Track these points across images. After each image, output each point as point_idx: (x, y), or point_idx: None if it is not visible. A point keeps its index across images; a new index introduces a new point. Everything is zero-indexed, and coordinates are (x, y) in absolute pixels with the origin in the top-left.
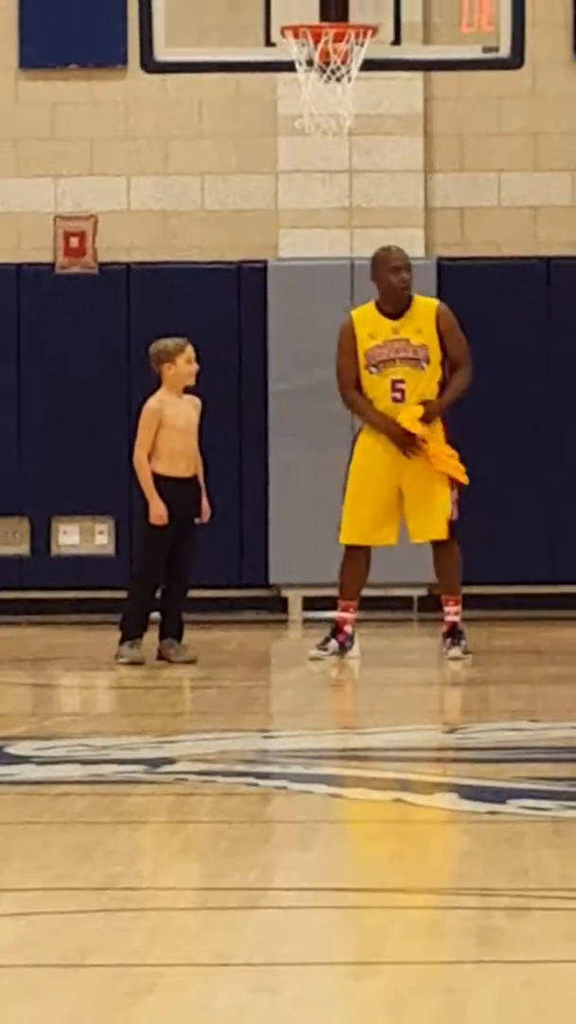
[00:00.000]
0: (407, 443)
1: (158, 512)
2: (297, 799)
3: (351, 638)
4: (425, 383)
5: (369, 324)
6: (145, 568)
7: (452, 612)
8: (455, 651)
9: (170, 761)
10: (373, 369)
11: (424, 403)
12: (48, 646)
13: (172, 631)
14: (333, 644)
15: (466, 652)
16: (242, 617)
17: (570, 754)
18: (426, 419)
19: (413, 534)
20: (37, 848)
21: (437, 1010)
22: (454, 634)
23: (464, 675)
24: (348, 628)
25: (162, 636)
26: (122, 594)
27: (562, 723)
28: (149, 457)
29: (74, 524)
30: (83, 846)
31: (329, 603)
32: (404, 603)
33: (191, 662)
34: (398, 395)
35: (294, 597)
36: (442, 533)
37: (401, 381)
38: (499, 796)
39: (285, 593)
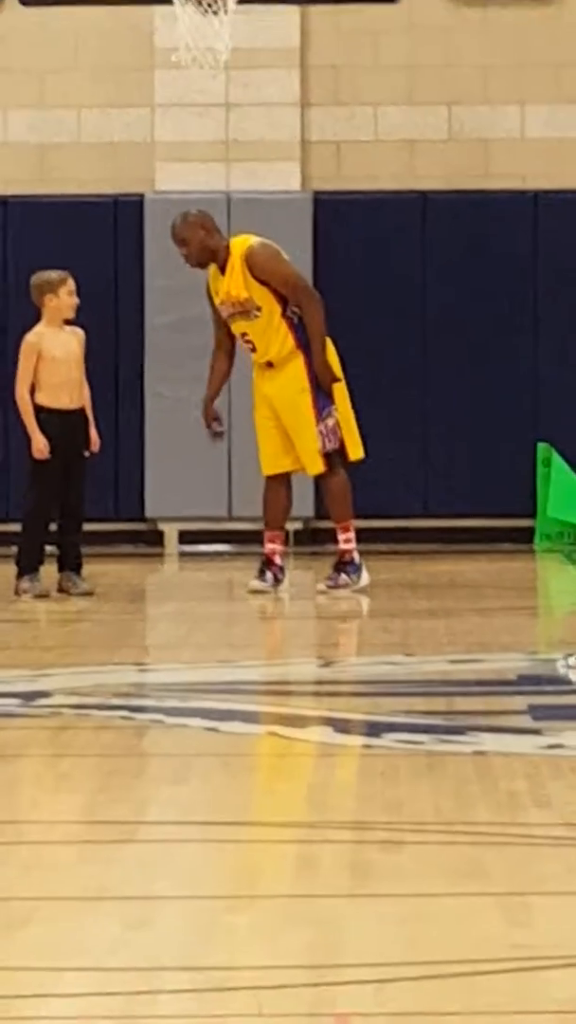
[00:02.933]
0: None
1: (39, 446)
2: (172, 732)
3: (283, 569)
4: (263, 329)
5: (215, 281)
6: (35, 502)
7: (342, 540)
8: (321, 584)
9: (45, 695)
10: (228, 324)
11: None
12: None
13: (70, 564)
14: (269, 576)
15: (333, 587)
16: (119, 550)
17: (444, 688)
18: (323, 383)
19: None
20: None
21: (311, 943)
22: (338, 566)
23: (339, 608)
24: (278, 559)
25: (60, 568)
26: None
27: (436, 657)
28: (32, 391)
29: None
30: None
31: (203, 536)
32: None
33: (89, 594)
34: (249, 346)
35: (170, 530)
36: (317, 467)
37: (245, 333)
38: (374, 730)
39: (161, 527)
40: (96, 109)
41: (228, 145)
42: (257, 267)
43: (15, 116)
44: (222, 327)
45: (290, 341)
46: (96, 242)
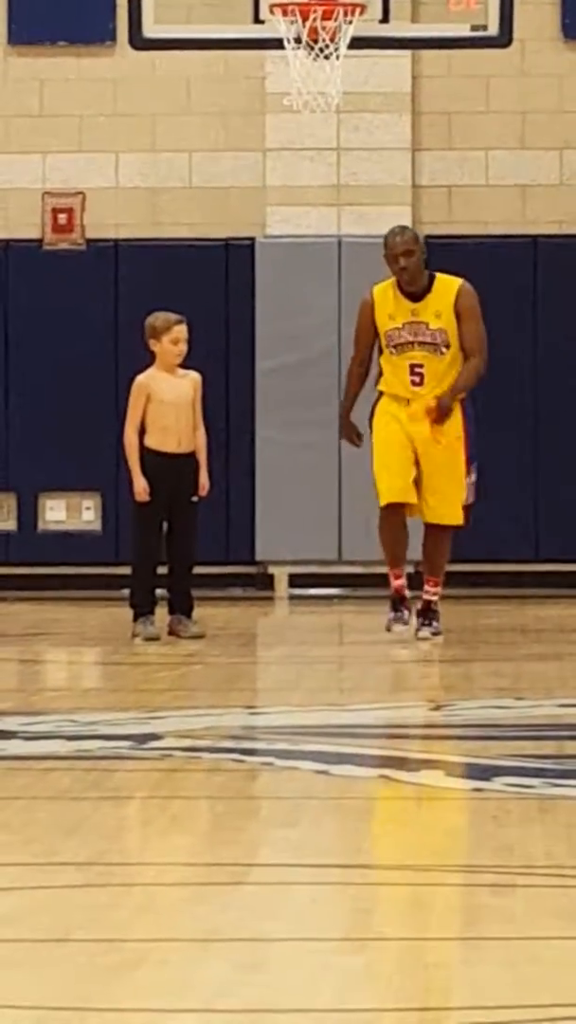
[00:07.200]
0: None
1: (138, 488)
2: (283, 775)
3: (409, 604)
4: (445, 368)
5: (389, 304)
6: (138, 544)
7: (431, 592)
8: (424, 631)
9: (156, 737)
10: (393, 351)
11: (436, 401)
12: (34, 622)
13: (180, 607)
14: (406, 613)
15: (436, 633)
16: (229, 594)
17: (554, 732)
18: (438, 421)
19: (428, 515)
20: (23, 823)
21: (422, 986)
22: (428, 613)
23: (449, 653)
24: (407, 593)
25: (171, 612)
26: (108, 570)
27: (546, 701)
28: (141, 433)
29: (61, 500)
30: (69, 821)
31: (313, 580)
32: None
33: (200, 637)
34: (416, 379)
35: (280, 574)
36: (457, 518)
37: (420, 365)
38: (484, 773)
39: (272, 570)
40: (207, 153)
41: (339, 189)
42: (465, 308)
43: (126, 160)
44: (368, 349)
45: None
46: (207, 286)
